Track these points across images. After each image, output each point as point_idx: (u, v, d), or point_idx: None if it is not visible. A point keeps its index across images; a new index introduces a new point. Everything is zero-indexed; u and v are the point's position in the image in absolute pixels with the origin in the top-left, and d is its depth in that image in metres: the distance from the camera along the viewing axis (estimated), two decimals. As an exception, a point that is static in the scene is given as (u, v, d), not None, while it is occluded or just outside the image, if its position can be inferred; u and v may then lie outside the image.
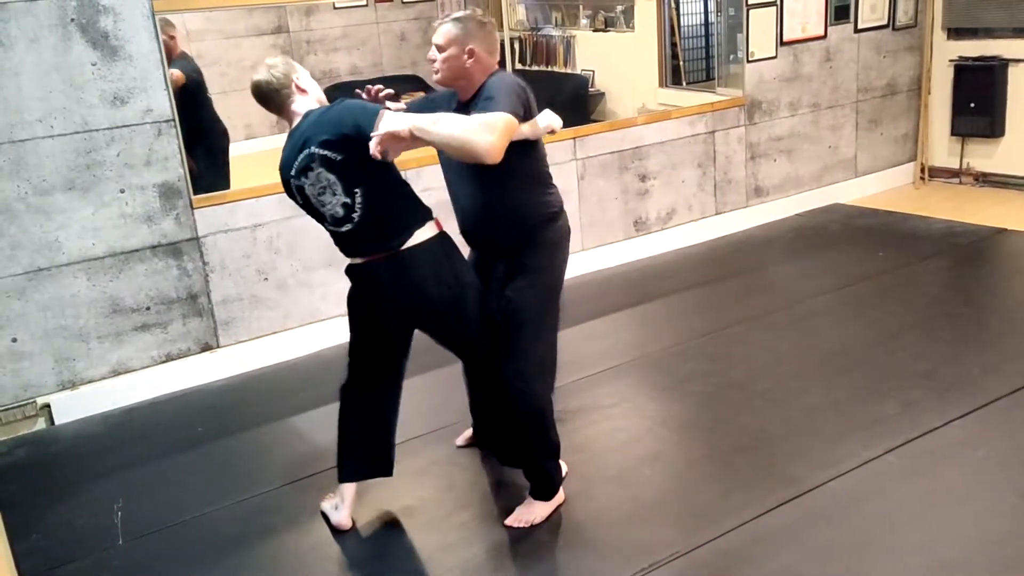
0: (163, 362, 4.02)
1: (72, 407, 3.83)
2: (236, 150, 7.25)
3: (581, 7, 7.52)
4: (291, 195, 2.70)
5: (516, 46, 7.94)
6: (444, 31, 2.63)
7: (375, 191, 2.58)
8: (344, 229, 2.63)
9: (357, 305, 2.80)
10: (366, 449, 2.91)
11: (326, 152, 2.53)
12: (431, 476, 3.18)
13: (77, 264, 3.75)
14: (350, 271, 2.73)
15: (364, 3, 7.68)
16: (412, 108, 2.72)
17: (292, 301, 4.30)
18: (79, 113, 3.66)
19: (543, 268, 2.75)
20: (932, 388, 3.48)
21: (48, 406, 3.80)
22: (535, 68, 7.87)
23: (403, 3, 7.93)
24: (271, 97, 2.66)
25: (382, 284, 2.65)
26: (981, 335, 3.97)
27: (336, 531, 2.88)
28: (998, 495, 2.81)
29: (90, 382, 3.87)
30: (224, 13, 6.86)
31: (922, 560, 2.53)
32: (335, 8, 7.63)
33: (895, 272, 4.81)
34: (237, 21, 7.15)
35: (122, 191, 3.79)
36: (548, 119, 2.79)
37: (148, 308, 3.94)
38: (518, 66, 7.92)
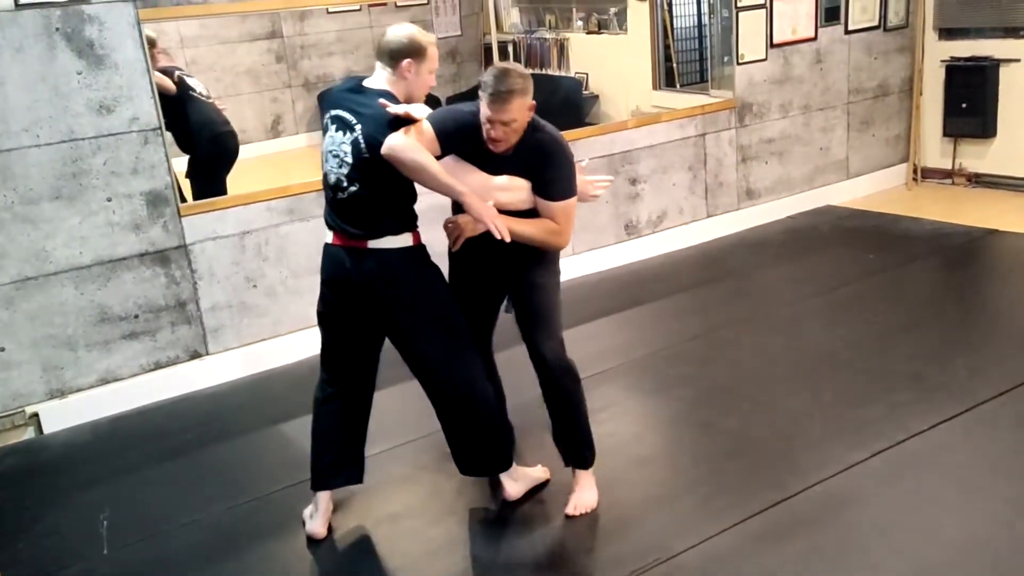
0: (152, 370, 4.03)
1: (61, 416, 3.83)
2: (230, 155, 7.28)
3: (574, 10, 7.52)
4: (322, 113, 2.81)
5: (510, 49, 7.95)
6: (517, 106, 2.55)
7: (376, 182, 2.62)
8: (331, 195, 2.71)
9: (325, 298, 2.82)
10: (336, 457, 2.90)
11: (362, 142, 2.60)
12: (417, 483, 3.19)
13: (65, 273, 3.76)
14: (324, 249, 2.79)
15: (358, 7, 7.68)
16: (433, 122, 2.64)
17: (281, 308, 4.31)
18: (65, 122, 3.66)
19: (552, 261, 2.86)
20: (919, 391, 3.48)
21: (37, 415, 3.80)
22: (529, 71, 7.87)
23: (397, 7, 7.92)
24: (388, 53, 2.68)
25: (342, 268, 2.71)
26: (969, 337, 3.97)
27: (311, 540, 2.88)
28: (982, 499, 2.80)
29: (79, 391, 3.88)
30: (218, 19, 6.88)
31: (905, 564, 2.53)
32: (328, 13, 7.63)
33: (885, 274, 4.81)
34: (231, 27, 7.16)
35: (109, 199, 3.80)
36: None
37: (136, 316, 3.94)
38: (512, 69, 7.93)
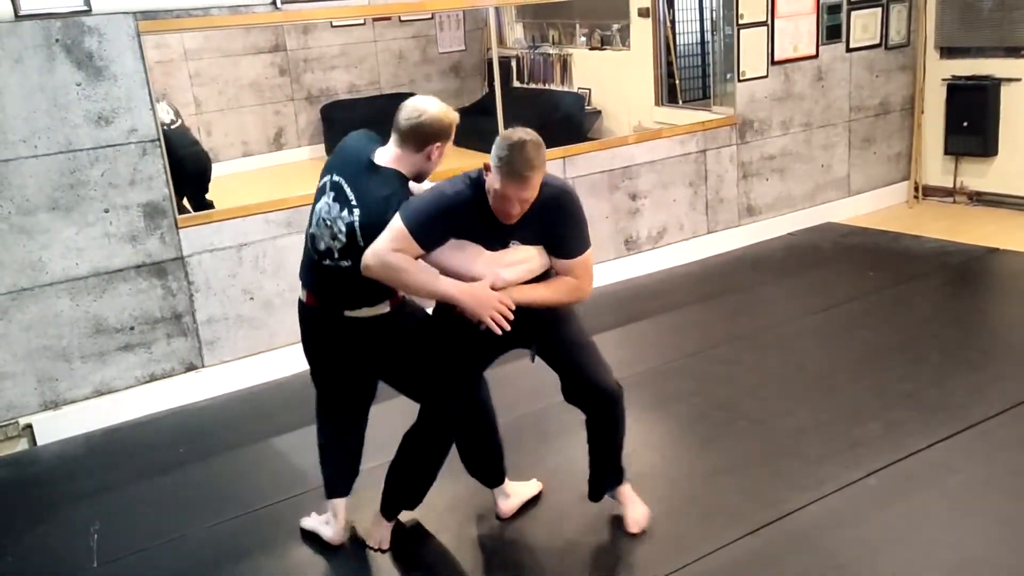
0: (147, 382, 4.02)
1: (54, 428, 3.82)
2: (232, 167, 7.32)
3: (578, 25, 7.55)
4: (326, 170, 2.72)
5: (513, 64, 7.97)
6: (538, 180, 2.40)
7: (357, 262, 2.50)
8: (315, 258, 2.64)
9: (307, 351, 2.83)
10: (349, 465, 2.92)
11: (358, 230, 2.50)
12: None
13: (60, 284, 3.75)
14: (299, 307, 2.77)
15: (362, 21, 7.71)
16: (407, 222, 2.43)
17: (278, 321, 4.29)
18: (63, 133, 3.67)
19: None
20: (916, 410, 3.45)
21: (30, 426, 3.79)
22: (532, 86, 7.90)
23: (401, 21, 7.97)
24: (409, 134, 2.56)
25: (318, 330, 2.72)
26: (968, 356, 3.94)
27: (323, 548, 2.87)
28: (978, 519, 2.78)
29: (73, 402, 3.87)
30: (221, 32, 6.92)
31: (899, 586, 2.50)
32: (333, 26, 7.66)
33: (885, 292, 4.79)
34: (234, 39, 7.19)
35: (106, 211, 3.80)
36: None
37: (132, 328, 3.93)
38: (516, 84, 7.95)
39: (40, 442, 3.79)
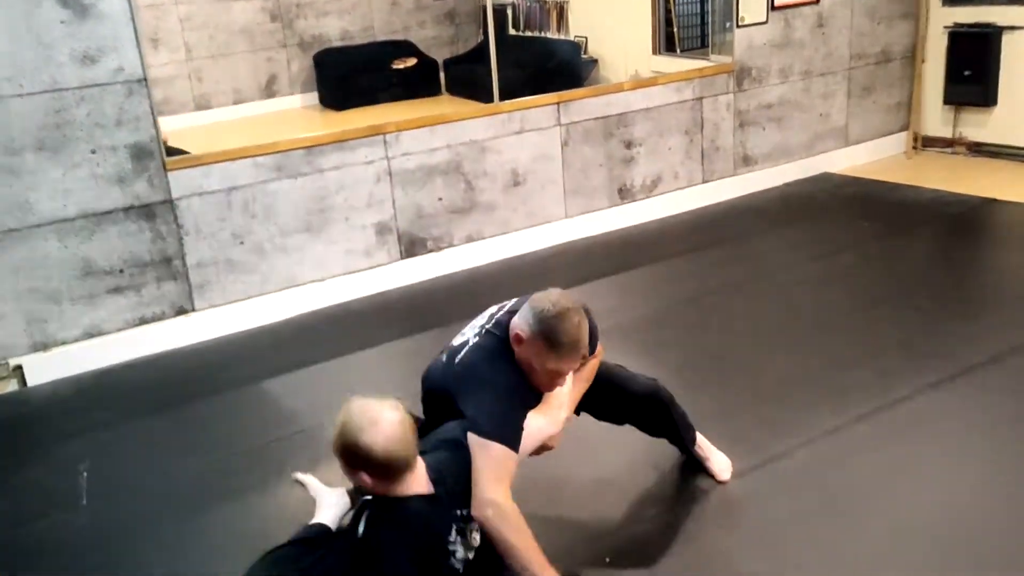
0: (137, 325, 4.00)
1: (45, 369, 3.81)
2: (223, 115, 7.24)
3: (575, -29, 7.41)
4: None
5: (509, 12, 7.84)
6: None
7: None
8: None
9: None
10: None
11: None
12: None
13: (48, 225, 3.72)
14: None
15: (355, -34, 7.58)
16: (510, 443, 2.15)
17: (269, 266, 4.27)
18: (48, 72, 3.60)
19: None
20: (907, 357, 3.45)
21: (20, 367, 3.78)
22: (528, 34, 7.78)
23: (396, -33, 7.82)
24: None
25: None
26: (961, 305, 3.93)
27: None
28: (965, 464, 2.79)
29: (63, 344, 3.86)
30: (212, -25, 6.80)
31: (885, 525, 2.51)
32: (325, -29, 7.53)
33: (880, 242, 4.77)
34: (226, -17, 7.07)
35: (93, 152, 3.75)
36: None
37: (121, 271, 3.91)
38: (511, 32, 7.83)
39: (30, 383, 3.79)
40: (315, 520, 2.39)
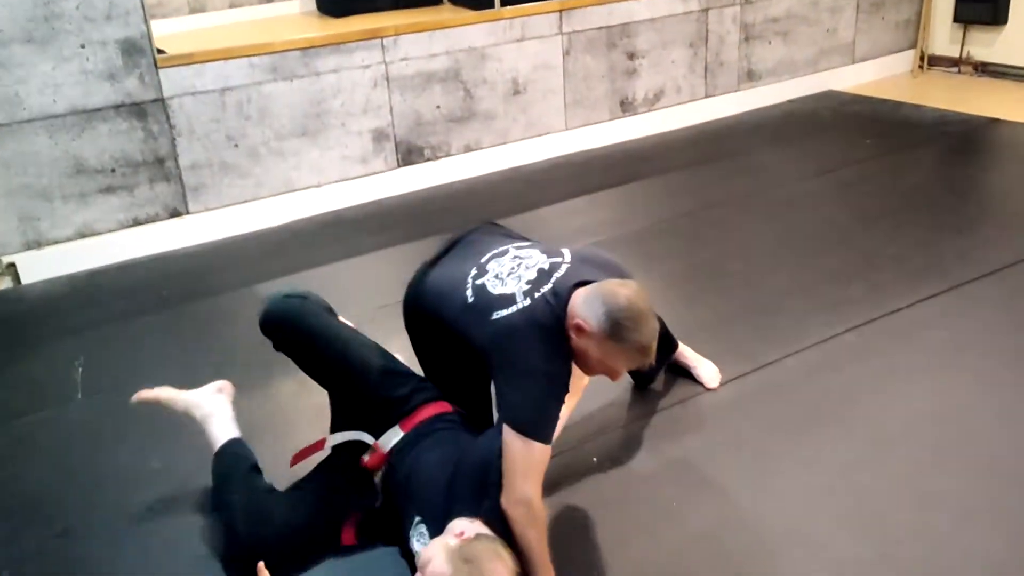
0: (130, 226, 3.98)
1: (38, 267, 3.81)
2: (219, 19, 7.06)
3: None
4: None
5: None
6: None
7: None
8: None
9: None
10: None
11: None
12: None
13: (38, 121, 3.66)
14: None
15: None
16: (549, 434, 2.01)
17: (263, 170, 4.23)
18: (35, -39, 3.51)
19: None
20: (901, 271, 3.45)
21: (14, 265, 3.77)
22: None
23: None
24: None
25: None
26: (958, 222, 3.91)
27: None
28: (953, 374, 2.81)
29: (56, 243, 3.84)
30: None
31: (868, 433, 2.54)
32: None
33: (881, 159, 4.72)
34: None
35: (83, 46, 3.67)
36: None
37: (113, 170, 3.87)
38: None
39: (24, 281, 3.79)
40: (220, 438, 2.31)
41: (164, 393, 2.39)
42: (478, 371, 2.22)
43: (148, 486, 2.47)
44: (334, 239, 4.13)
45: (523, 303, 2.02)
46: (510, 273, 2.11)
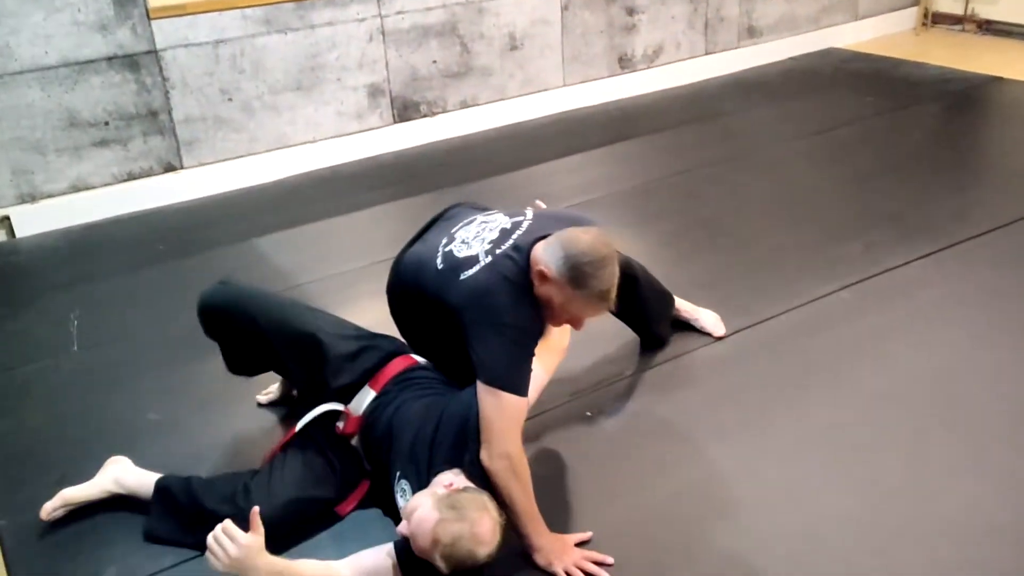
0: (125, 180, 3.96)
1: (32, 220, 3.79)
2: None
3: None
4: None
5: None
6: None
7: None
8: None
9: None
10: None
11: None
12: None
13: (30, 73, 3.62)
14: None
15: None
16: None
17: (258, 125, 4.19)
18: (24, -92, 3.44)
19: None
20: (897, 230, 3.44)
21: (8, 218, 3.76)
22: None
23: None
24: None
25: None
26: (956, 181, 3.90)
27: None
28: (946, 332, 2.81)
29: (50, 196, 3.82)
30: None
31: (860, 390, 2.55)
32: None
33: (881, 117, 4.69)
34: None
35: (74, -4, 3.62)
36: None
37: (106, 123, 3.83)
38: None
39: (18, 234, 3.77)
40: (149, 479, 2.16)
41: (69, 493, 2.17)
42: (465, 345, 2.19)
43: (144, 437, 2.48)
44: (330, 195, 4.11)
45: (485, 260, 2.04)
46: (475, 236, 2.13)
